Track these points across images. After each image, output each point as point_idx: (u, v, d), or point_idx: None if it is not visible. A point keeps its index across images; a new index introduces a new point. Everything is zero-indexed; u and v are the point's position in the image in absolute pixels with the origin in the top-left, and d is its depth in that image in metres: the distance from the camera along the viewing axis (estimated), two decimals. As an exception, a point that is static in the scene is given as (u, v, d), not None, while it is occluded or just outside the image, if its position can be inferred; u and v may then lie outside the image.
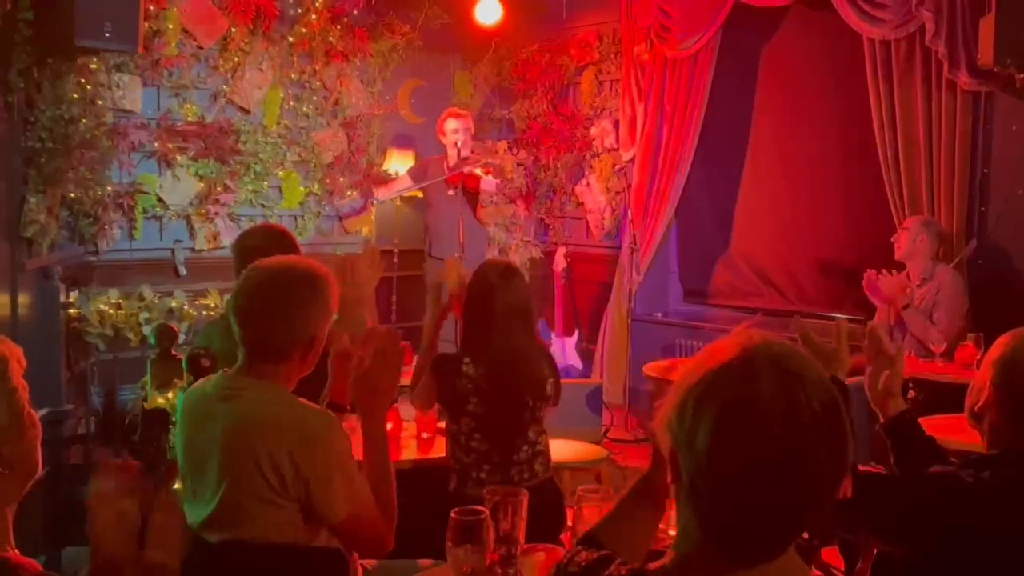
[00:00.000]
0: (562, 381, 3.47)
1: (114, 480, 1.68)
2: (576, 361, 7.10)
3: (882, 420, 2.44)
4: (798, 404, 1.23)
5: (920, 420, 4.02)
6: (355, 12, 6.78)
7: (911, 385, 4.72)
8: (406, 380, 3.61)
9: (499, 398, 3.22)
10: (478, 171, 6.29)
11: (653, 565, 1.35)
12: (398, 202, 7.14)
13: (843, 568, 3.77)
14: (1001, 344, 2.20)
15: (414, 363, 3.59)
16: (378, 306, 7.08)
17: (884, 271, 5.25)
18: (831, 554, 3.96)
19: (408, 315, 7.39)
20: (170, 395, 4.08)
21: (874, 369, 2.41)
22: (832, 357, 2.24)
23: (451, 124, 6.37)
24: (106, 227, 5.63)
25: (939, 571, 2.07)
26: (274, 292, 2.32)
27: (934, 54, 5.42)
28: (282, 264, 2.40)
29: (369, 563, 2.66)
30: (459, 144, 6.30)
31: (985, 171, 5.54)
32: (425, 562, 2.65)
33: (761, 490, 1.24)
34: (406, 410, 3.85)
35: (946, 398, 3.89)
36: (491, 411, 3.22)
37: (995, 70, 5.04)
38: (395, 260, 7.02)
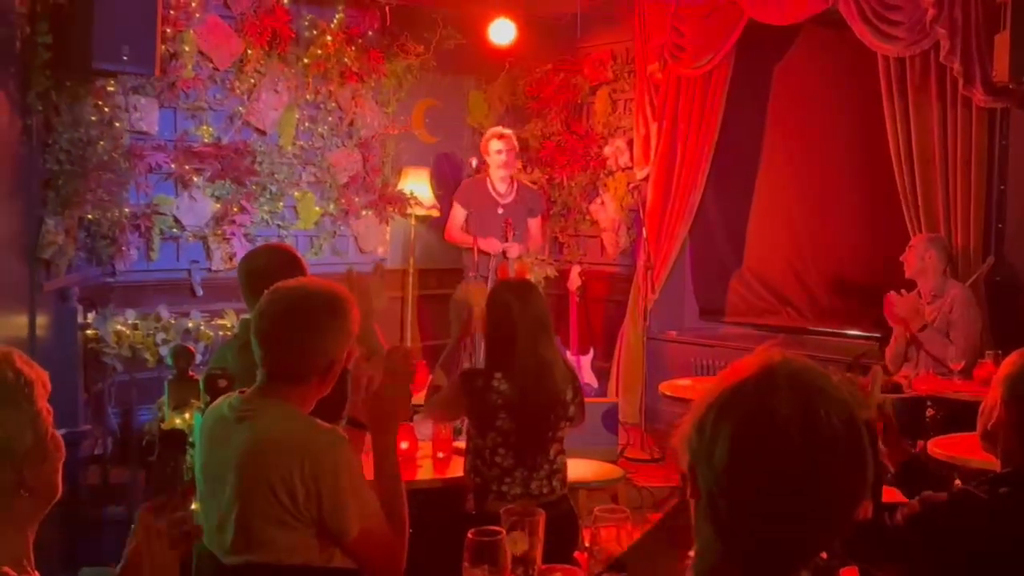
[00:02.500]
0: (579, 401, 3.49)
1: (168, 513, 1.69)
2: (592, 380, 7.07)
3: (892, 470, 2.42)
4: (816, 418, 1.23)
5: (939, 439, 4.02)
6: (370, 33, 6.82)
7: (929, 403, 4.69)
8: (419, 399, 3.62)
9: (526, 414, 3.25)
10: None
11: (672, 586, 1.35)
12: (413, 221, 7.16)
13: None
14: (1010, 363, 2.19)
15: (429, 381, 3.61)
16: (390, 325, 7.12)
17: (903, 291, 5.24)
18: (851, 574, 3.92)
19: (426, 334, 7.42)
20: (187, 416, 4.08)
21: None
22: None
23: (495, 145, 6.49)
24: (123, 248, 5.66)
25: None
26: (296, 315, 2.32)
27: (949, 71, 5.40)
28: (305, 287, 2.41)
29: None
30: (503, 164, 6.49)
31: (1002, 188, 5.51)
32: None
33: (779, 504, 1.23)
34: (421, 430, 3.86)
35: (965, 416, 3.85)
36: (518, 427, 3.25)
37: (1011, 86, 5.02)
38: (409, 279, 7.06)
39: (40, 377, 1.65)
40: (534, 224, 6.73)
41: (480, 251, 6.40)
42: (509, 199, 6.56)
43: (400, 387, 2.35)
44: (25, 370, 1.62)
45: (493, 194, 6.55)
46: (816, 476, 1.22)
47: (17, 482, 1.59)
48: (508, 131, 6.64)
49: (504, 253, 6.43)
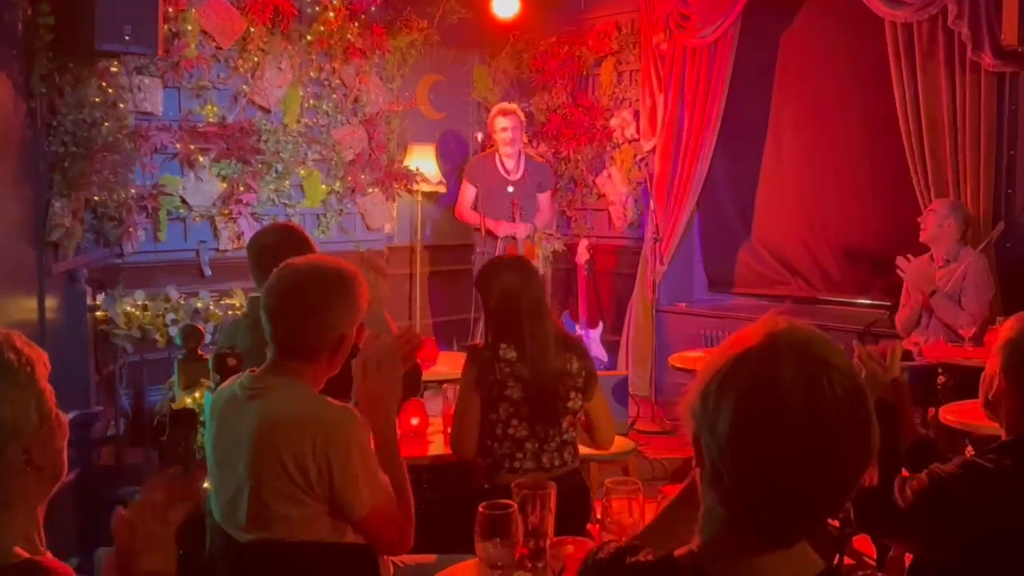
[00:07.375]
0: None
1: (163, 491, 1.70)
2: (601, 353, 7.08)
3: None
4: (820, 387, 1.23)
5: (950, 406, 4.02)
6: (373, 9, 6.78)
7: (940, 370, 4.68)
8: (428, 375, 3.61)
9: (535, 381, 3.25)
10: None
11: (679, 552, 1.35)
12: (419, 198, 7.15)
13: (875, 556, 3.74)
14: (1007, 328, 2.18)
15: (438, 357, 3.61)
16: (399, 302, 7.13)
17: (909, 257, 5.21)
18: (863, 542, 3.94)
19: (435, 311, 7.43)
20: (197, 395, 4.10)
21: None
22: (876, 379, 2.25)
23: (500, 122, 6.53)
24: (131, 229, 5.65)
25: (973, 562, 2.04)
26: (306, 291, 2.33)
27: (957, 36, 5.35)
28: (314, 263, 2.43)
29: (400, 560, 2.66)
30: (509, 141, 6.51)
31: (1012, 152, 5.47)
32: (456, 559, 2.65)
33: (781, 473, 1.24)
34: (432, 405, 3.86)
35: (976, 382, 3.83)
36: (528, 396, 3.25)
37: (1019, 50, 4.98)
38: (417, 256, 7.06)
39: (40, 357, 1.66)
40: (544, 198, 6.75)
41: (488, 231, 6.42)
42: (518, 175, 6.57)
43: (385, 378, 2.37)
44: (26, 351, 1.63)
45: (501, 171, 6.56)
46: (819, 446, 1.22)
47: (25, 460, 1.60)
48: (513, 106, 6.63)
49: (513, 235, 6.44)
